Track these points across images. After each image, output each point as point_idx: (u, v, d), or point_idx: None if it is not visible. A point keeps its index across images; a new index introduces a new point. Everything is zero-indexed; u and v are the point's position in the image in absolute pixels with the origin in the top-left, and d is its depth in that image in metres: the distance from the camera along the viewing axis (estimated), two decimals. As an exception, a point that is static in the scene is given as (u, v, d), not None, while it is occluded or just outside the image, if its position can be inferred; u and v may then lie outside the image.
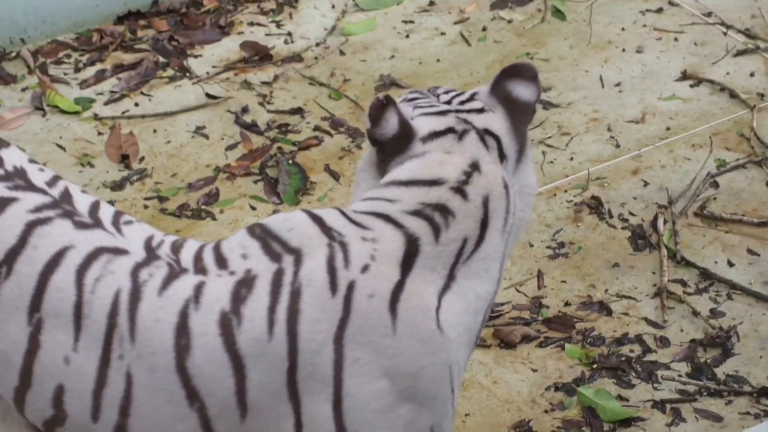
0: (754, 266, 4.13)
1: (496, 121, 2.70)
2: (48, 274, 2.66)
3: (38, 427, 2.78)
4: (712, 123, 4.73)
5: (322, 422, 2.62)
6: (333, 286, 2.58)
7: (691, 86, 4.93)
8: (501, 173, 2.65)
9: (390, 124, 2.64)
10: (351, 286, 2.58)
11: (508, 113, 2.73)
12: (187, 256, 2.72)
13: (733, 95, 4.86)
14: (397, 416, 2.61)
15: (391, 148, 2.67)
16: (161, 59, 5.22)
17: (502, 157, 2.68)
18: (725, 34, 5.19)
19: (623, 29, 5.27)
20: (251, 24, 5.43)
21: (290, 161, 4.66)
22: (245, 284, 2.63)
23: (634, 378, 3.78)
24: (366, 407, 2.60)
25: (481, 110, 2.72)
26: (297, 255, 2.63)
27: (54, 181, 2.81)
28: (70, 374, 2.67)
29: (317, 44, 5.30)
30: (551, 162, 4.61)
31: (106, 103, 4.97)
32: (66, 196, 2.78)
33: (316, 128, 4.84)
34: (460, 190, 2.62)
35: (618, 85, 4.97)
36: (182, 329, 2.62)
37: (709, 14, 5.30)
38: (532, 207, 2.81)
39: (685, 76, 4.98)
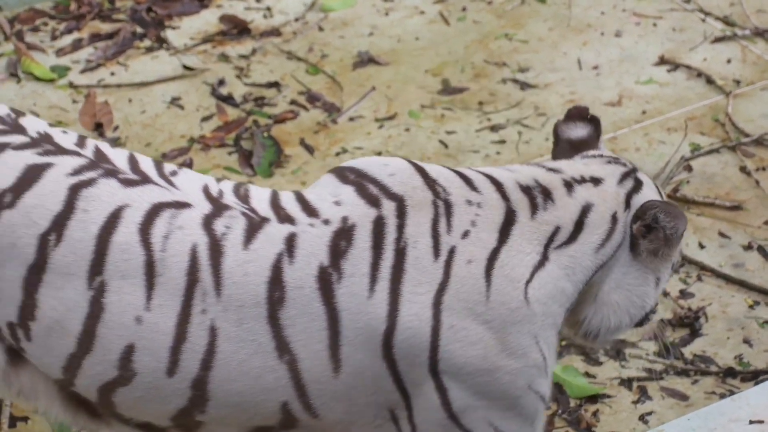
0: (725, 249, 4.14)
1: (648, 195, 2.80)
2: (106, 236, 2.60)
3: (87, 392, 2.71)
4: (688, 108, 4.74)
5: (422, 384, 2.63)
6: (436, 250, 2.61)
7: (668, 71, 4.94)
8: (615, 204, 2.74)
9: (579, 131, 2.89)
10: (452, 251, 2.61)
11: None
12: (261, 205, 2.68)
13: (709, 81, 4.87)
14: (495, 379, 2.64)
15: (562, 147, 2.89)
16: (139, 30, 5.20)
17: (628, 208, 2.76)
18: (703, 20, 5.20)
19: (603, 13, 5.27)
20: (230, -3, 5.42)
21: (265, 134, 4.65)
22: (344, 236, 2.62)
23: (602, 355, 3.79)
24: (463, 370, 2.62)
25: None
26: (400, 203, 2.65)
27: (82, 141, 2.75)
28: (142, 333, 2.62)
29: (296, 19, 5.28)
30: (527, 142, 4.61)
31: (82, 72, 4.94)
32: (100, 154, 2.71)
33: (293, 102, 4.83)
34: (569, 185, 2.73)
35: (596, 67, 4.97)
36: (275, 282, 2.59)
37: (688, 1, 5.31)
38: (627, 320, 2.81)
39: (662, 60, 4.99)
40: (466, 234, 2.63)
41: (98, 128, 4.66)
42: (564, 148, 2.90)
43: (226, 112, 4.76)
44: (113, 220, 2.61)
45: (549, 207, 2.70)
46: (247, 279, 2.59)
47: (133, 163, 2.72)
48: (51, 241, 2.60)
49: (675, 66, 4.95)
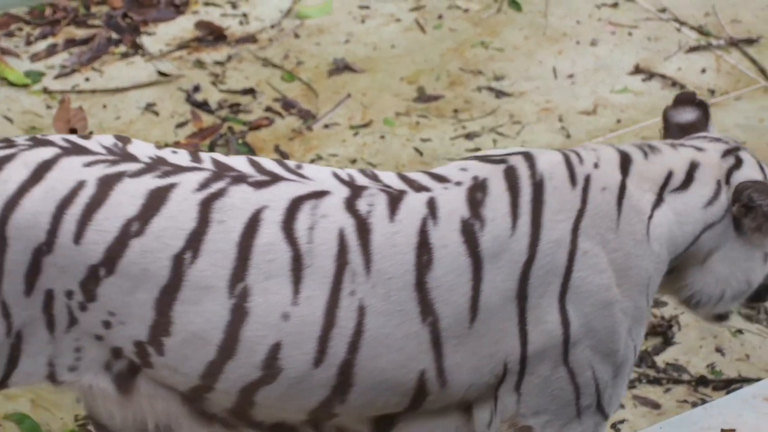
0: (698, 258, 4.15)
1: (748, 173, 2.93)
2: (247, 241, 2.63)
3: (224, 398, 2.74)
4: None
5: (546, 315, 2.72)
6: (572, 179, 2.75)
7: (644, 80, 4.96)
8: (718, 173, 2.86)
9: (687, 115, 3.02)
10: (587, 179, 2.75)
11: None
12: (394, 181, 2.77)
13: (684, 90, 4.88)
14: (611, 313, 2.73)
15: (671, 132, 3.03)
16: (114, 35, 5.18)
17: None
18: (679, 30, 5.21)
19: (578, 22, 5.28)
20: (206, 4, 5.40)
21: (240, 141, 4.65)
22: (478, 189, 2.74)
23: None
24: (587, 300, 2.71)
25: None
26: (526, 155, 2.80)
27: (196, 157, 2.75)
28: (289, 329, 2.66)
29: (272, 26, 5.28)
30: (501, 150, 4.62)
31: (57, 77, 4.93)
32: (219, 165, 2.72)
33: (268, 109, 4.82)
34: (673, 145, 2.91)
35: (571, 76, 4.98)
36: (423, 247, 2.67)
37: (663, 10, 5.32)
38: (730, 293, 2.92)
39: (637, 70, 5.00)
40: (596, 165, 2.78)
41: (72, 133, 4.64)
42: (674, 132, 3.02)
43: (201, 119, 4.76)
44: (253, 224, 2.64)
45: (657, 154, 2.86)
46: (396, 250, 2.67)
47: (255, 165, 2.74)
48: (186, 259, 2.62)
49: (650, 75, 4.97)
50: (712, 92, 4.88)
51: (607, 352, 2.76)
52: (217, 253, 2.62)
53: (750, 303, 3.11)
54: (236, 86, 4.93)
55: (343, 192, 2.70)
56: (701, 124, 3.01)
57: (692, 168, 2.85)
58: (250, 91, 4.90)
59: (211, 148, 4.59)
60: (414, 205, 2.70)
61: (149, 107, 4.81)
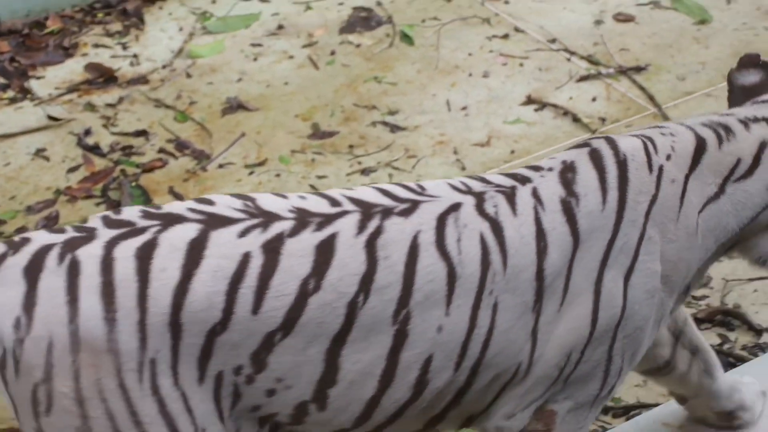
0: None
1: None
2: (410, 269, 2.67)
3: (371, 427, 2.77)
4: (556, 146, 4.80)
5: (614, 293, 2.78)
6: (650, 165, 2.83)
7: (536, 110, 5.00)
8: (756, 148, 2.92)
9: (751, 77, 3.07)
10: (660, 169, 2.84)
11: None
12: (502, 180, 2.86)
13: (575, 119, 4.93)
14: (652, 302, 2.83)
15: (735, 94, 3.08)
16: (2, 80, 5.10)
17: None
18: (569, 60, 5.28)
19: (470, 54, 5.32)
20: (96, 46, 5.35)
21: (133, 183, 4.59)
22: (569, 170, 2.83)
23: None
24: (642, 285, 2.81)
25: None
26: (607, 138, 2.89)
27: (332, 199, 2.73)
28: (440, 339, 2.70)
29: (164, 66, 5.24)
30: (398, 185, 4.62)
31: (-57, 125, 4.84)
32: (359, 202, 2.73)
33: (161, 150, 4.78)
34: (745, 123, 2.94)
35: (464, 108, 5.01)
36: (540, 234, 2.75)
37: (553, 41, 5.38)
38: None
39: (529, 100, 5.04)
40: (669, 157, 2.86)
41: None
42: (738, 95, 3.08)
43: (93, 162, 4.70)
44: (413, 251, 2.68)
45: (732, 139, 2.91)
46: (523, 241, 2.75)
47: (389, 195, 2.77)
48: (359, 302, 2.63)
49: (542, 105, 5.01)
50: (602, 120, 4.94)
51: (635, 344, 2.86)
52: (386, 288, 2.65)
53: None
54: (128, 128, 4.88)
55: (470, 200, 2.78)
56: (765, 85, 3.06)
57: (760, 150, 2.93)
58: (142, 133, 4.85)
59: (104, 192, 4.53)
60: (524, 197, 2.80)
61: (39, 152, 4.73)
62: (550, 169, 2.84)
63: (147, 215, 2.62)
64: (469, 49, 5.35)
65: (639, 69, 5.18)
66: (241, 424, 2.68)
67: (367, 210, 2.70)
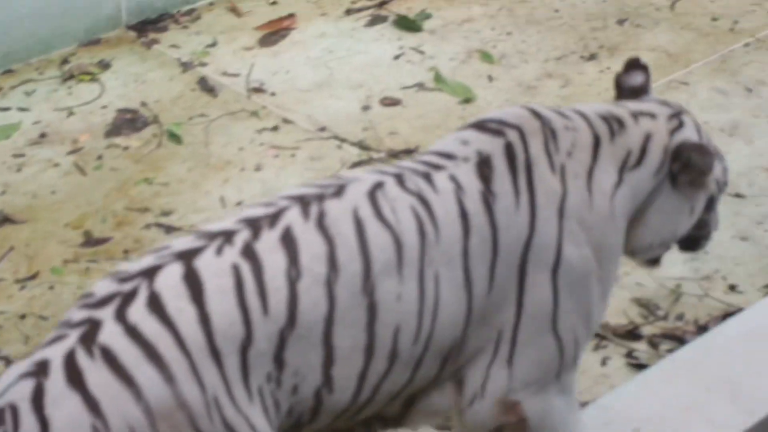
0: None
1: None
2: (362, 242, 2.85)
3: (360, 399, 2.91)
4: (334, 234, 4.78)
5: (541, 287, 3.01)
6: (552, 166, 3.06)
7: (311, 200, 4.97)
8: (666, 138, 3.22)
9: (637, 78, 3.36)
10: (563, 168, 3.06)
11: None
12: (412, 165, 3.04)
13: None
14: (590, 282, 3.07)
15: (625, 95, 3.36)
16: None
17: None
18: (340, 147, 5.28)
19: (241, 149, 5.28)
20: None
21: None
22: (485, 165, 3.02)
23: None
24: (573, 271, 3.03)
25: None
26: (519, 131, 3.08)
27: (240, 213, 2.90)
28: (401, 309, 2.87)
29: None
30: (176, 286, 4.51)
31: None
32: (284, 198, 2.91)
33: (-76, 272, 4.55)
34: (635, 116, 3.22)
35: (239, 204, 4.95)
36: (463, 214, 2.95)
37: (323, 129, 5.39)
38: (658, 240, 3.31)
39: (304, 190, 5.01)
40: (569, 154, 3.09)
41: None
42: (627, 95, 3.37)
43: None
44: (358, 226, 2.86)
45: (622, 133, 3.18)
46: (449, 217, 2.93)
47: (308, 187, 2.96)
48: (332, 280, 2.80)
49: (317, 194, 4.99)
50: (379, 205, 4.94)
51: (585, 316, 3.08)
52: (349, 262, 2.82)
53: (685, 250, 3.49)
54: None
55: (390, 179, 2.95)
56: (646, 86, 3.38)
57: (646, 141, 3.20)
58: None
59: None
60: (442, 179, 2.98)
61: None
62: (466, 159, 3.02)
63: (123, 279, 2.70)
64: (239, 144, 5.30)
65: (409, 151, 5.22)
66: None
67: (302, 200, 2.87)
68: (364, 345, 2.84)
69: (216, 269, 2.70)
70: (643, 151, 3.19)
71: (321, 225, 2.82)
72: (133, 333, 2.59)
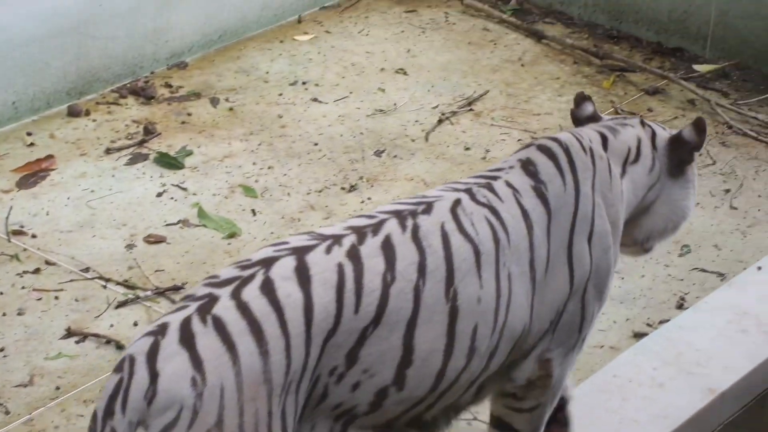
0: None
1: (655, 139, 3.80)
2: (447, 253, 3.25)
3: (433, 396, 3.28)
4: (102, 377, 4.69)
5: (583, 255, 3.44)
6: (583, 147, 3.54)
7: (77, 342, 4.88)
8: (649, 142, 3.72)
9: (588, 109, 3.82)
10: (591, 150, 3.54)
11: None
12: (474, 180, 3.48)
13: (119, 346, 4.86)
14: (609, 256, 3.51)
15: (583, 121, 3.81)
16: None
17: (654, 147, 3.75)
18: (105, 287, 5.21)
19: (2, 293, 5.15)
20: None
21: None
22: (528, 164, 3.49)
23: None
24: (600, 244, 3.47)
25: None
26: (546, 137, 3.59)
27: (345, 222, 3.33)
28: (480, 309, 3.26)
29: None
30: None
31: None
32: (383, 212, 3.34)
33: None
34: (622, 124, 3.73)
35: (2, 350, 4.81)
36: (524, 214, 3.40)
37: (87, 269, 5.31)
38: (671, 225, 3.82)
39: (69, 333, 4.92)
40: (591, 141, 3.58)
41: None
42: (585, 125, 3.77)
43: None
44: (444, 238, 3.26)
45: (618, 135, 3.66)
46: (515, 220, 3.37)
47: (399, 204, 3.38)
48: (420, 286, 3.18)
49: (83, 336, 4.91)
50: (147, 344, 4.89)
51: (602, 290, 3.52)
52: (435, 270, 3.20)
53: None
54: None
55: (464, 195, 3.38)
56: (597, 113, 3.83)
57: (639, 143, 3.68)
58: None
59: None
60: (501, 187, 3.43)
61: None
62: (511, 167, 3.49)
63: (244, 266, 3.09)
64: (0, 289, 5.17)
65: (177, 288, 5.20)
66: (317, 422, 3.13)
67: (398, 215, 3.28)
68: (444, 346, 3.21)
69: (324, 265, 3.09)
70: (638, 150, 3.67)
71: (415, 236, 3.22)
72: (244, 308, 2.98)
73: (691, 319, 4.28)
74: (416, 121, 6.40)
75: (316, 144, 6.21)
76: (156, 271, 5.33)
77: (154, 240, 5.53)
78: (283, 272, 3.06)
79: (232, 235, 5.55)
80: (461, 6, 7.50)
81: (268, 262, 3.08)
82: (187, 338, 2.94)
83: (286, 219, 5.66)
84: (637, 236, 3.77)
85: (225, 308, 2.98)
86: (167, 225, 5.61)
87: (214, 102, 6.52)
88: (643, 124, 3.76)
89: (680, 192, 3.77)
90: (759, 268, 4.48)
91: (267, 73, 6.81)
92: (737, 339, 4.16)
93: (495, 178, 3.45)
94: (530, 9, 7.48)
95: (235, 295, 3.00)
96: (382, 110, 6.49)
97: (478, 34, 7.23)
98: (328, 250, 3.13)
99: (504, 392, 3.54)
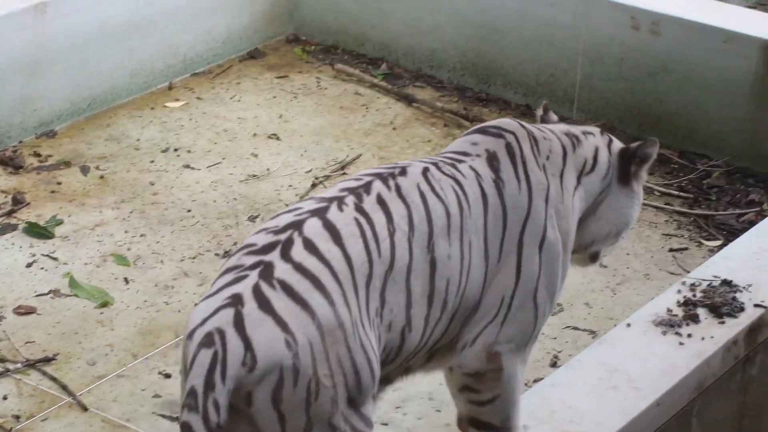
0: None
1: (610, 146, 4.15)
2: (426, 209, 3.60)
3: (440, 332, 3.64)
4: (-29, 453, 4.58)
5: (532, 260, 3.73)
6: (538, 164, 3.82)
7: (-56, 418, 4.76)
8: (606, 149, 4.06)
9: (553, 117, 4.20)
10: (544, 167, 3.84)
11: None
12: (441, 159, 3.79)
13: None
14: (559, 263, 3.80)
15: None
16: None
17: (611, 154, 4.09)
18: (-27, 360, 5.10)
19: None
20: None
21: None
22: (493, 159, 3.79)
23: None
24: (551, 250, 3.76)
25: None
26: (514, 135, 3.86)
27: (339, 184, 3.63)
28: (450, 267, 3.58)
29: None
30: None
31: None
32: (365, 174, 3.65)
33: None
34: (585, 133, 4.06)
35: None
36: (483, 195, 3.70)
37: (-46, 343, 5.19)
38: (615, 230, 4.12)
39: (-64, 409, 4.80)
40: (548, 157, 3.87)
41: None
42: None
43: None
44: (423, 196, 3.60)
45: (579, 146, 3.98)
46: (474, 196, 3.68)
47: (375, 168, 3.71)
48: (411, 237, 3.53)
49: (-49, 412, 4.79)
50: (17, 418, 4.79)
51: (552, 293, 3.79)
52: (420, 224, 3.53)
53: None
54: None
55: (431, 165, 3.68)
56: (557, 120, 4.20)
57: (596, 152, 4.00)
58: None
59: None
60: (465, 169, 3.73)
61: None
62: (478, 155, 3.78)
63: (276, 231, 3.40)
64: None
65: (48, 360, 5.11)
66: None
67: (380, 176, 3.59)
68: (428, 293, 3.52)
69: (344, 221, 3.42)
70: (594, 160, 3.98)
71: (399, 194, 3.55)
72: (301, 269, 3.28)
73: (563, 377, 4.32)
74: (290, 186, 6.42)
75: (189, 210, 6.18)
76: (26, 342, 5.23)
77: (24, 311, 5.43)
78: (316, 231, 3.38)
79: (104, 304, 5.48)
80: (332, 71, 7.56)
81: (297, 225, 3.39)
82: (264, 304, 3.21)
83: (160, 287, 5.61)
84: (582, 240, 4.03)
85: (285, 271, 3.27)
86: (37, 295, 5.52)
87: (85, 170, 6.46)
88: (602, 132, 4.11)
89: (626, 200, 4.07)
90: (628, 324, 4.55)
91: (138, 140, 6.77)
92: (608, 396, 4.21)
93: (460, 161, 3.75)
94: (400, 73, 7.57)
95: (286, 258, 3.30)
96: (255, 175, 6.50)
97: (350, 99, 7.29)
98: (340, 208, 3.46)
99: (461, 386, 3.76)
